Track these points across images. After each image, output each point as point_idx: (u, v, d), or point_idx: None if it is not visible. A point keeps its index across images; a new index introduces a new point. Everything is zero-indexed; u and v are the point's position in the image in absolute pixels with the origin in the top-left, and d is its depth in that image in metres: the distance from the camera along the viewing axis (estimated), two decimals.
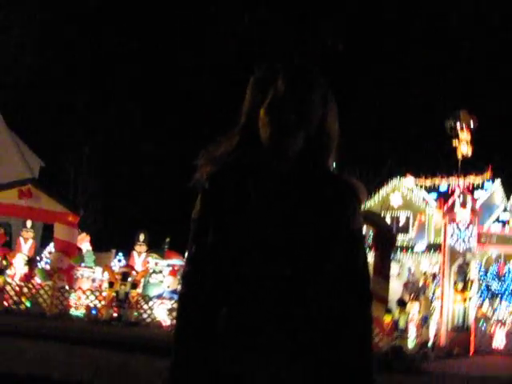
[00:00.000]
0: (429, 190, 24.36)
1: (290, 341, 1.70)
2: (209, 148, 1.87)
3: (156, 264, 19.33)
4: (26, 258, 18.70)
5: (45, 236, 21.12)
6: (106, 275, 18.18)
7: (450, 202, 18.99)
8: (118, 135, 32.28)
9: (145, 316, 16.75)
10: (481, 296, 20.04)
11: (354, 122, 23.36)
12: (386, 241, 16.53)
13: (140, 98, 34.34)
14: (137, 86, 33.87)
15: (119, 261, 21.03)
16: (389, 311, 14.29)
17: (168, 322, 16.09)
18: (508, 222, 22.20)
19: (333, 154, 1.85)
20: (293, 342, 1.70)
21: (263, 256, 1.71)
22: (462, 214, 18.59)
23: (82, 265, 19.39)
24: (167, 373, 1.79)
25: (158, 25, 37.31)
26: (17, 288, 17.30)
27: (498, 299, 20.12)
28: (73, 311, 17.26)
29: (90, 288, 18.07)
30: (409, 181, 24.31)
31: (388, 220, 22.50)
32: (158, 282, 18.31)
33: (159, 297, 17.29)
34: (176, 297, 16.55)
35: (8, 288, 17.13)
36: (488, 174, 24.12)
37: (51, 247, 20.26)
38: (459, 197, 18.82)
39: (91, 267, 19.49)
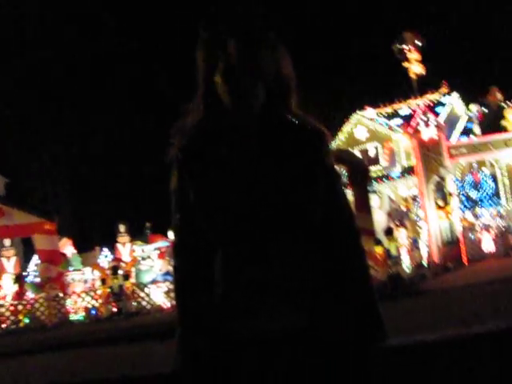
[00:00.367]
0: (391, 116, 24.51)
1: (290, 287, 1.72)
2: (177, 122, 1.89)
3: (143, 250, 19.31)
4: (13, 277, 18.52)
5: (27, 250, 20.90)
6: (97, 273, 18.13)
7: (414, 123, 19.15)
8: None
9: (144, 304, 16.79)
10: (463, 207, 20.44)
11: (309, 62, 23.23)
12: (361, 175, 16.68)
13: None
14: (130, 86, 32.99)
15: (106, 256, 20.95)
16: (379, 242, 14.49)
17: (168, 304, 16.15)
18: (472, 130, 22.52)
19: (294, 96, 1.86)
20: (293, 289, 1.72)
21: (245, 210, 1.72)
22: (428, 133, 18.78)
23: (71, 269, 19.26)
24: (177, 332, 1.82)
25: (157, 25, 36.56)
26: (11, 308, 17.18)
27: (479, 206, 20.55)
28: (72, 316, 17.21)
29: (83, 290, 18.01)
30: (369, 112, 24.41)
31: (358, 154, 22.66)
32: (149, 267, 18.31)
33: (153, 282, 17.31)
34: (170, 278, 16.59)
35: (2, 310, 17.00)
36: (444, 89, 24.32)
37: (36, 259, 20.08)
38: (421, 117, 18.97)
39: (80, 269, 19.38)
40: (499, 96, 24.34)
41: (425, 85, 21.90)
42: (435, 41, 25.07)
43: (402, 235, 16.11)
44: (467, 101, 24.65)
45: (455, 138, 22.61)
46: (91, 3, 33.57)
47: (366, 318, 1.78)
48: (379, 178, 22.90)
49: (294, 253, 1.73)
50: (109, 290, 16.62)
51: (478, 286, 11.24)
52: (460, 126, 23.64)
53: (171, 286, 15.92)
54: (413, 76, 19.81)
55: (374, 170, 22.84)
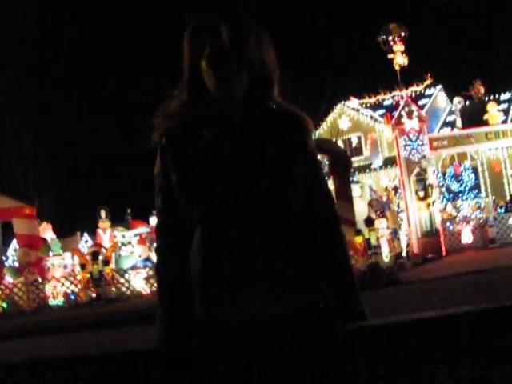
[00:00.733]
0: (374, 107, 24.60)
1: (274, 280, 1.73)
2: (162, 106, 1.90)
3: (123, 236, 19.21)
4: None
5: (6, 234, 20.68)
6: (77, 259, 18.02)
7: (397, 114, 19.23)
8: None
9: (124, 289, 16.75)
10: (443, 199, 20.63)
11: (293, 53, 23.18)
12: (342, 165, 16.76)
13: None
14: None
15: (86, 242, 20.84)
16: (359, 232, 14.56)
17: (148, 290, 16.13)
18: (454, 122, 22.69)
19: (277, 84, 1.89)
20: (277, 282, 1.73)
21: (228, 202, 1.74)
22: (410, 124, 18.88)
23: (51, 254, 19.13)
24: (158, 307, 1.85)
25: (157, 25, 36.14)
26: None
27: (460, 198, 20.76)
28: (51, 301, 17.12)
29: (63, 275, 17.90)
30: (353, 102, 24.47)
31: (340, 144, 22.74)
32: (129, 253, 18.25)
33: (133, 268, 17.26)
34: (150, 264, 16.56)
35: None
36: (428, 81, 24.44)
37: (15, 244, 19.92)
38: (404, 108, 19.06)
39: (60, 254, 19.24)
40: (482, 89, 24.54)
41: (409, 76, 21.98)
42: (420, 33, 25.12)
43: (382, 225, 16.21)
44: (450, 93, 24.82)
45: (437, 129, 22.77)
46: (91, 3, 33.17)
47: (348, 299, 1.83)
48: (362, 168, 23.02)
49: (278, 245, 1.75)
50: (88, 275, 16.53)
51: (456, 276, 11.38)
52: (442, 118, 23.81)
53: (151, 272, 15.90)
54: (397, 67, 19.86)
55: (357, 160, 22.94)
